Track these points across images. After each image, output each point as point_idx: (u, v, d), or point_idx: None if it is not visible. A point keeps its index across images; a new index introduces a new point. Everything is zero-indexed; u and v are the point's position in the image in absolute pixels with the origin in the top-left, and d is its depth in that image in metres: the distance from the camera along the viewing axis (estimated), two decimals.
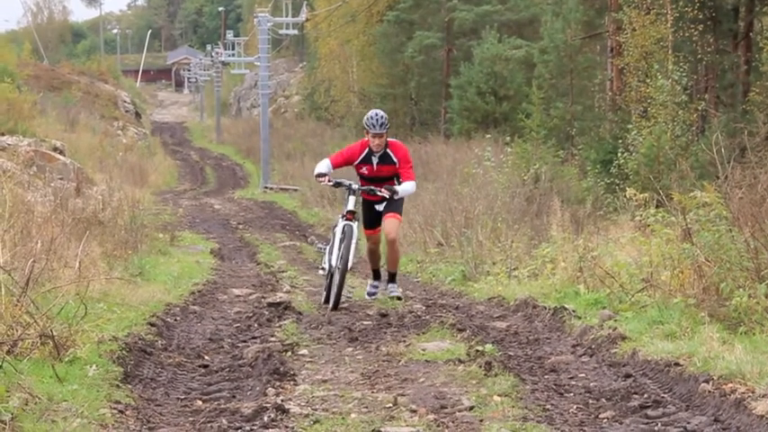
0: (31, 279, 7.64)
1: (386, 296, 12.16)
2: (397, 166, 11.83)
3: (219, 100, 74.85)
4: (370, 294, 12.38)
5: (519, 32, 43.41)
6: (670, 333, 8.14)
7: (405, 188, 11.82)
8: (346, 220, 11.60)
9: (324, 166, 11.94)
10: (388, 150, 11.86)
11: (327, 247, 11.89)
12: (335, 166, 12.05)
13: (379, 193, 11.67)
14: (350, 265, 11.42)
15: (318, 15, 52.67)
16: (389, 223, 11.94)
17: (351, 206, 11.71)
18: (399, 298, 12.04)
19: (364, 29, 53.09)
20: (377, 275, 12.51)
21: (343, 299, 11.49)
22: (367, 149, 11.86)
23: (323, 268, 11.93)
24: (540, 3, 42.55)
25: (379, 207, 11.98)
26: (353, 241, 11.51)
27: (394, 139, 12.30)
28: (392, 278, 12.39)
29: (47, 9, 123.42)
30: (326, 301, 11.58)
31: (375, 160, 11.84)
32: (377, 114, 11.85)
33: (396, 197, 11.79)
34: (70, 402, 6.09)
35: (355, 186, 11.83)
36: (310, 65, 66.59)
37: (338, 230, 11.59)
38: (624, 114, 29.63)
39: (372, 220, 12.13)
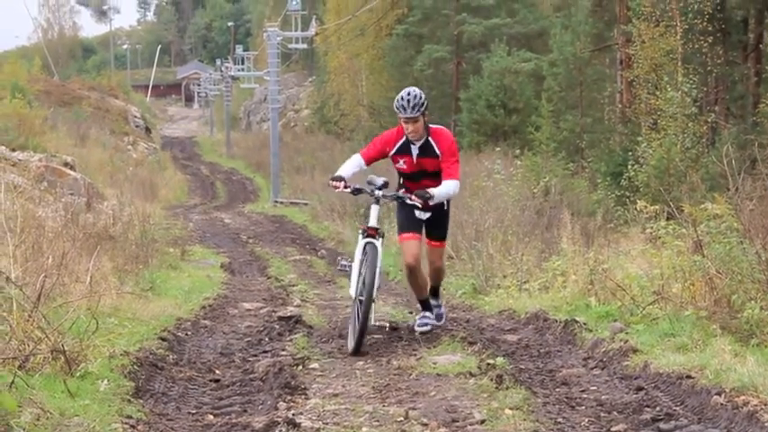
0: (42, 294, 7.63)
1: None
2: (441, 159, 9.63)
3: (229, 114, 75.04)
4: (421, 327, 10.11)
5: (528, 45, 43.49)
6: (682, 345, 8.09)
7: (442, 191, 9.50)
8: (368, 236, 9.44)
9: (351, 165, 9.71)
10: (430, 139, 9.66)
11: (353, 266, 9.71)
12: (369, 160, 9.79)
13: (408, 202, 9.48)
14: (375, 293, 9.24)
15: (328, 29, 52.80)
16: (435, 253, 10.09)
17: (373, 220, 9.56)
18: (440, 317, 10.33)
19: (373, 42, 53.27)
20: (427, 306, 10.26)
21: (372, 338, 9.72)
22: (404, 137, 9.70)
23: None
24: (550, 15, 42.72)
25: (421, 214, 9.80)
26: (378, 264, 9.28)
27: (438, 126, 9.96)
28: (435, 291, 10.42)
29: (57, 25, 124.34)
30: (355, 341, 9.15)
31: (415, 151, 9.68)
32: (408, 93, 9.54)
33: (431, 202, 9.42)
34: (82, 417, 6.08)
35: (379, 193, 9.65)
36: (320, 79, 66.77)
37: (358, 251, 9.42)
38: (634, 126, 29.66)
39: (412, 223, 9.84)
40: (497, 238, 15.17)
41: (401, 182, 9.99)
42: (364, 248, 9.34)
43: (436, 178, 9.64)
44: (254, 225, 30.69)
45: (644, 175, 22.82)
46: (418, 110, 9.45)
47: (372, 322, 9.33)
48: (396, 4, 50.47)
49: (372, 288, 9.06)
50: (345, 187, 9.48)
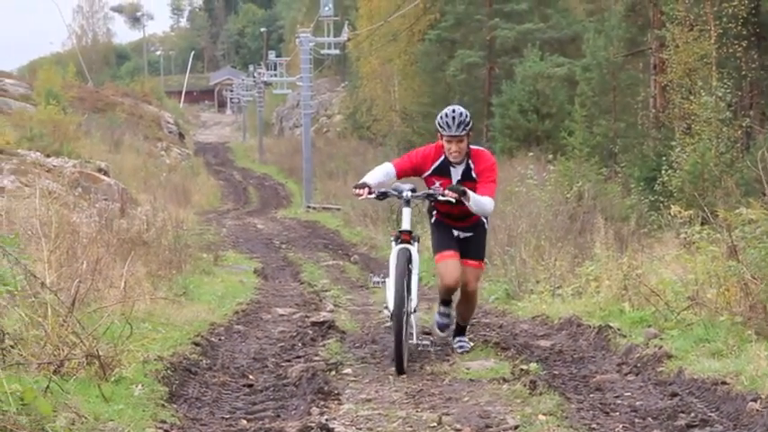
0: (77, 299, 7.65)
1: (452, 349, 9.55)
2: (477, 180, 8.87)
3: (262, 120, 75.29)
4: (441, 327, 9.50)
5: (561, 50, 43.37)
6: (716, 351, 8.04)
7: (479, 199, 8.69)
8: (401, 242, 8.68)
9: (378, 172, 8.94)
10: (470, 162, 8.92)
11: (387, 281, 8.91)
12: (402, 173, 8.98)
13: (441, 198, 8.67)
14: (414, 305, 8.56)
15: (360, 35, 52.91)
16: (471, 273, 9.09)
17: (406, 224, 8.78)
18: (469, 349, 9.48)
19: (406, 48, 53.29)
20: (447, 303, 9.45)
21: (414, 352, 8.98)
22: (443, 157, 8.90)
23: (386, 307, 8.99)
24: (583, 20, 42.64)
25: (459, 233, 9.13)
26: (415, 272, 8.59)
27: (478, 147, 9.20)
28: (461, 331, 9.63)
29: (91, 31, 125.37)
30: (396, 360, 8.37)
31: (456, 175, 8.90)
32: (453, 111, 8.78)
33: (466, 202, 8.57)
34: (116, 422, 6.10)
35: (408, 194, 8.86)
36: (352, 84, 66.88)
37: (393, 258, 8.59)
38: (668, 131, 29.56)
39: (449, 241, 9.12)
40: (530, 244, 15.14)
41: (432, 205, 9.22)
42: (398, 256, 8.53)
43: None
44: (286, 230, 30.78)
45: (678, 180, 22.74)
46: (464, 128, 8.72)
47: (413, 340, 8.60)
48: (428, 9, 50.48)
49: (407, 300, 8.31)
50: (370, 193, 8.75)
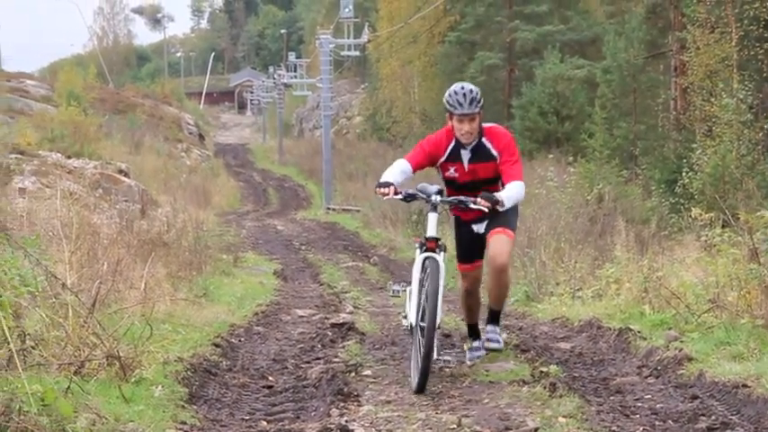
0: (97, 300, 7.69)
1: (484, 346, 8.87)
2: (498, 161, 8.20)
3: (282, 121, 75.44)
4: (472, 359, 8.75)
5: (581, 52, 43.34)
6: (737, 354, 8.01)
7: (511, 194, 8.00)
8: (427, 249, 7.96)
9: (395, 171, 8.24)
10: (484, 140, 8.22)
11: (408, 290, 8.36)
12: (417, 166, 8.31)
13: (473, 206, 7.94)
14: (438, 319, 7.78)
15: (380, 37, 52.96)
16: (497, 242, 8.19)
17: (432, 230, 8.03)
18: (500, 350, 8.77)
19: (426, 50, 53.33)
20: (475, 332, 8.87)
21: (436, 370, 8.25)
22: (453, 141, 8.23)
23: (404, 316, 8.41)
24: (603, 22, 42.59)
25: (479, 227, 8.40)
26: (441, 283, 7.76)
27: (492, 124, 8.47)
28: (494, 318, 8.72)
29: (112, 33, 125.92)
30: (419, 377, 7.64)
31: (466, 156, 8.24)
32: (463, 87, 8.11)
33: (500, 208, 7.93)
34: (137, 423, 6.14)
35: (436, 198, 8.13)
36: (372, 86, 66.93)
37: (417, 267, 7.98)
38: (688, 134, 29.47)
39: (470, 250, 8.51)
40: (550, 246, 15.15)
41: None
42: (423, 264, 7.88)
43: (495, 186, 8.22)
44: (306, 232, 30.84)
45: (699, 183, 22.66)
46: (476, 105, 8.02)
47: (436, 356, 7.74)
48: (449, 11, 50.52)
49: (435, 314, 7.55)
50: (396, 193, 8.05)
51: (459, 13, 49.95)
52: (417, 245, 8.19)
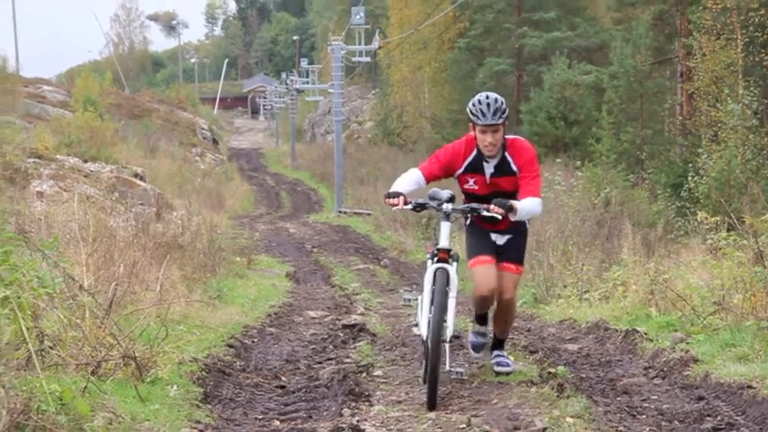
0: (114, 302, 7.74)
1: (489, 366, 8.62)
2: (518, 176, 7.89)
3: (294, 126, 75.40)
4: (475, 347, 8.65)
5: (589, 58, 43.39)
6: (742, 356, 8.05)
7: (525, 206, 7.71)
8: (438, 260, 7.61)
9: (407, 181, 7.92)
10: (506, 154, 7.89)
11: (419, 299, 7.94)
12: (430, 177, 7.98)
13: (485, 213, 7.67)
14: (449, 333, 7.45)
15: (391, 43, 53.06)
16: (508, 279, 8.05)
17: (444, 240, 7.68)
18: (511, 372, 8.41)
19: (436, 56, 53.43)
20: (483, 320, 8.53)
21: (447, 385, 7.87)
22: (475, 151, 7.90)
23: (416, 325, 8.11)
24: (610, 29, 42.57)
25: (496, 237, 8.12)
26: (452, 294, 7.49)
27: (515, 136, 8.12)
28: (500, 344, 8.59)
29: (128, 39, 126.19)
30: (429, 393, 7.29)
31: (489, 169, 7.90)
32: (488, 97, 7.78)
33: (513, 217, 7.72)
34: (152, 422, 6.21)
35: (448, 207, 7.81)
36: (383, 91, 66.99)
37: (428, 278, 7.58)
38: (694, 138, 29.52)
39: (484, 245, 8.10)
40: (558, 249, 15.19)
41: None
42: (434, 275, 7.52)
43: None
44: (318, 235, 30.83)
45: (704, 187, 22.69)
46: (501, 116, 7.70)
47: (446, 368, 7.56)
48: (458, 18, 50.59)
49: (443, 326, 7.30)
50: (405, 203, 7.73)
51: (468, 19, 50.01)
52: (429, 255, 7.81)
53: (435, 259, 7.60)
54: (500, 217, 7.61)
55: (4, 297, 5.79)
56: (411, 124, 57.91)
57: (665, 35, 35.50)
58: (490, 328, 8.50)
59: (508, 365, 8.42)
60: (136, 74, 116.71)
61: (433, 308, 7.31)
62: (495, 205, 7.55)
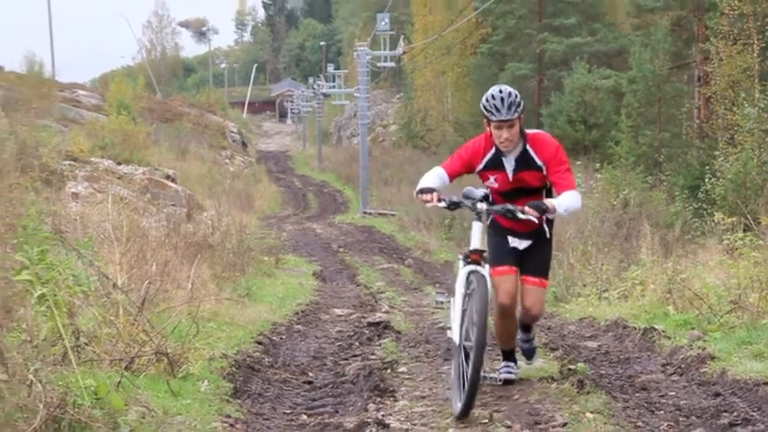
0: (146, 299, 7.85)
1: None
2: (545, 171, 7.43)
3: (321, 129, 75.50)
4: (527, 353, 8.24)
5: (608, 63, 43.53)
6: (759, 353, 8.07)
7: (563, 201, 7.21)
8: (471, 262, 7.14)
9: (433, 177, 7.44)
10: (528, 148, 7.42)
11: (452, 301, 7.38)
12: (453, 174, 7.53)
13: (521, 216, 7.16)
14: (487, 338, 6.83)
15: (415, 48, 53.14)
16: (534, 294, 7.62)
17: (476, 242, 7.23)
18: (531, 352, 8.25)
19: (459, 61, 53.59)
20: (510, 356, 8.07)
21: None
22: (493, 148, 7.45)
23: (449, 328, 7.55)
24: (629, 34, 42.59)
25: (515, 241, 7.69)
26: (489, 298, 6.94)
27: (536, 131, 7.69)
28: (525, 327, 8.15)
29: (160, 46, 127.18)
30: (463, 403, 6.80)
31: (510, 165, 7.45)
32: (501, 91, 7.22)
33: (550, 216, 7.42)
34: (184, 416, 6.32)
35: (482, 207, 7.37)
36: (407, 95, 67.09)
37: (460, 282, 7.14)
38: (711, 141, 29.57)
39: (504, 252, 7.64)
40: (578, 249, 15.23)
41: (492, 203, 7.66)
42: (468, 278, 7.07)
43: (538, 196, 7.53)
44: (344, 235, 30.93)
45: (721, 189, 22.74)
46: (515, 110, 7.19)
47: (482, 374, 6.82)
48: (481, 24, 50.66)
49: (485, 332, 6.68)
50: (439, 200, 7.27)
51: (490, 25, 50.14)
52: (461, 257, 7.29)
53: (468, 261, 7.16)
54: (536, 220, 7.18)
55: (41, 295, 5.86)
56: (434, 127, 57.95)
57: (683, 40, 35.54)
58: (513, 366, 8.08)
59: (511, 374, 8.00)
60: (167, 79, 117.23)
61: (476, 312, 6.75)
62: (531, 208, 7.06)
